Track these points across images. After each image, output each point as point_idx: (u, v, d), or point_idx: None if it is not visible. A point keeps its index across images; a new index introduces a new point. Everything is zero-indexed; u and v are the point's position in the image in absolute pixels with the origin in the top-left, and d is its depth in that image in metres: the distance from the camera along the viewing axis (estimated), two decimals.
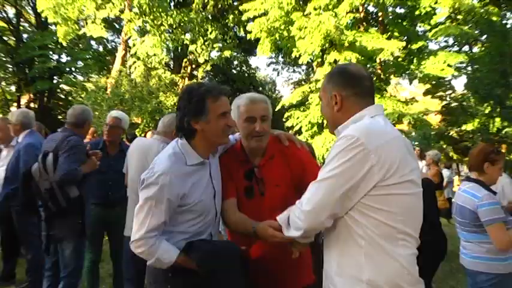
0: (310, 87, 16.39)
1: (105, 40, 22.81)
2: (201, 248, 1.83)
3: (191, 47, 18.73)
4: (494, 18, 14.64)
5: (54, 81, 21.30)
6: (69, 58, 21.48)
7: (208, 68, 20.39)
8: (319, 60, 15.88)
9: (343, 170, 1.44)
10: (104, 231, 4.21)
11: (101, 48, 23.71)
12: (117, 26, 21.75)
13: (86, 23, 17.52)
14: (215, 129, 1.91)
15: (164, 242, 1.84)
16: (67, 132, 3.44)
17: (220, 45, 19.85)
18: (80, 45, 21.40)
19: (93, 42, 22.14)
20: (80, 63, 21.59)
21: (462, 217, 3.00)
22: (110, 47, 23.83)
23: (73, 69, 21.92)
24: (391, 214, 1.45)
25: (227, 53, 19.60)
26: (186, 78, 20.78)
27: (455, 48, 18.85)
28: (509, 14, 17.07)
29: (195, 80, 20.40)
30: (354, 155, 1.42)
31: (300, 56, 15.49)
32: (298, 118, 16.41)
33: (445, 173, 10.44)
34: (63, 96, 23.43)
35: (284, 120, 16.78)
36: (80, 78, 22.41)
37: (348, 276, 1.50)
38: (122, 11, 17.33)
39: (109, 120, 4.12)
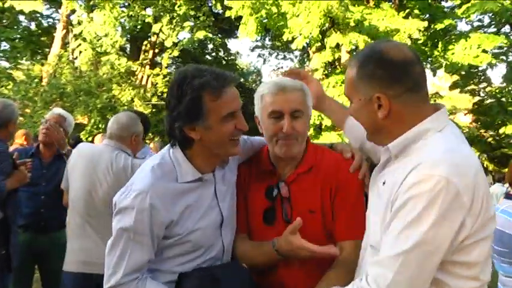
0: None
1: (39, 15, 22.52)
2: (196, 276, 1.75)
3: (154, 27, 18.64)
4: None
5: None
6: None
7: (176, 53, 20.31)
8: (318, 44, 15.95)
9: (437, 231, 1.29)
10: (35, 263, 4.14)
11: (33, 26, 23.36)
12: None
13: None
14: (218, 137, 1.75)
15: (150, 282, 1.75)
16: None
17: (192, 24, 19.82)
18: (4, 21, 21.06)
19: (22, 18, 21.83)
20: (5, 45, 21.21)
21: (501, 245, 3.02)
22: (46, 24, 23.50)
23: None
24: (472, 265, 1.38)
25: (200, 34, 19.59)
26: (147, 67, 20.68)
27: (493, 29, 19.07)
28: None
29: (158, 70, 20.32)
30: (447, 207, 1.28)
31: (293, 39, 15.54)
32: None
33: (497, 188, 9.86)
34: None
35: None
36: (5, 64, 22.04)
37: None
38: None
39: (49, 117, 4.11)
